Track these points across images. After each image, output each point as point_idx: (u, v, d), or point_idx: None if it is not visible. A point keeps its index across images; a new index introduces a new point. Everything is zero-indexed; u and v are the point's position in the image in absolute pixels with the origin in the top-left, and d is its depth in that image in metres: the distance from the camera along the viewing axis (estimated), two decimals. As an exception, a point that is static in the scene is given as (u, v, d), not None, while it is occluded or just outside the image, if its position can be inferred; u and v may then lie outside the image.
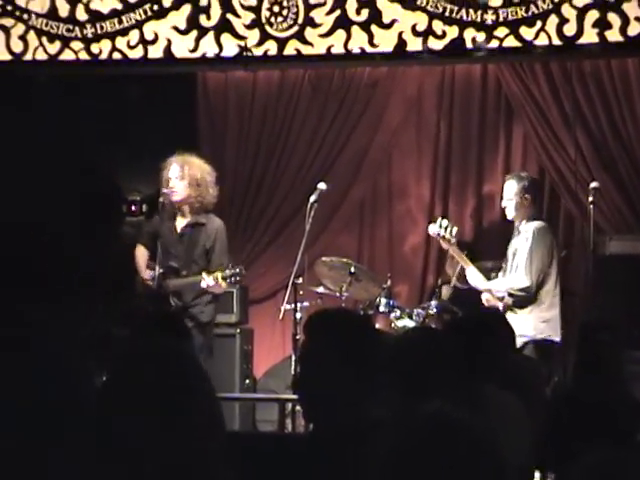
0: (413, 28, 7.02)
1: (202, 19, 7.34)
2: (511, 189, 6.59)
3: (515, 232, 6.62)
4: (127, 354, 1.74)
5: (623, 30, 6.74)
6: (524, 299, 6.39)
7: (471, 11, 6.92)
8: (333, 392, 2.72)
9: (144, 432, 1.64)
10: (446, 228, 6.50)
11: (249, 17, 7.26)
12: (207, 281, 6.15)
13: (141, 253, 6.55)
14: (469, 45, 6.96)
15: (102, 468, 1.65)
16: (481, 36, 6.94)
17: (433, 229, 6.58)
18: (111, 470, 1.65)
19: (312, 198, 6.76)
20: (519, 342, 6.16)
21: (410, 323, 6.99)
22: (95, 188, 8.12)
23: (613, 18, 6.76)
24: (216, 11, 7.31)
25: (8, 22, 7.54)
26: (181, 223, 6.49)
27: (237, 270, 6.15)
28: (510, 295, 6.43)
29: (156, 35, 7.41)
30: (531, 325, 6.31)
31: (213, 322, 6.51)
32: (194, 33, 7.35)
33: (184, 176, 6.40)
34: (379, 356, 2.83)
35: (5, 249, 7.42)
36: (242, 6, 7.27)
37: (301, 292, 6.86)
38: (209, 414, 1.68)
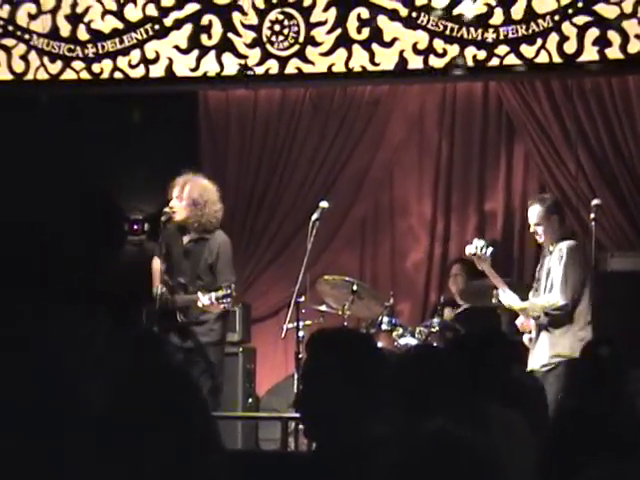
0: (414, 46, 7.04)
1: (203, 38, 7.35)
2: (536, 213, 6.49)
3: (546, 252, 6.51)
4: (115, 370, 1.74)
5: (623, 48, 6.75)
6: (560, 318, 6.30)
7: (472, 29, 6.94)
8: (335, 410, 2.72)
9: (134, 445, 1.63)
10: (482, 248, 6.47)
11: (250, 36, 7.28)
12: (202, 300, 6.14)
13: (157, 265, 6.55)
14: (470, 63, 6.97)
15: (100, 468, 1.64)
16: (481, 54, 6.95)
17: (469, 249, 6.55)
18: (108, 471, 1.64)
19: (314, 216, 6.76)
20: (554, 361, 6.16)
21: (413, 341, 6.98)
22: (97, 207, 8.12)
23: (613, 36, 6.77)
24: (217, 30, 7.33)
25: (9, 42, 7.56)
26: (186, 239, 6.51)
27: (227, 292, 6.12)
28: (546, 314, 6.34)
29: (157, 54, 7.42)
30: (567, 344, 6.20)
31: (224, 340, 6.50)
32: (195, 52, 7.37)
33: (183, 197, 6.42)
34: (381, 374, 2.82)
35: (5, 264, 7.41)
36: (243, 25, 7.29)
37: (303, 310, 6.85)
38: (199, 430, 1.67)
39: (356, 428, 2.69)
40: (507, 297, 6.52)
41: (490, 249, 6.48)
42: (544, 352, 6.30)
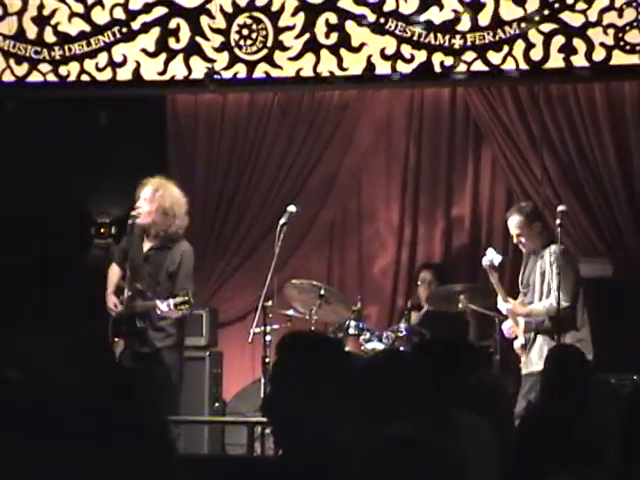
0: (382, 52, 7.06)
1: (171, 42, 7.34)
2: (516, 223, 6.56)
3: (536, 258, 6.55)
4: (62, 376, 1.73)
5: (588, 55, 6.81)
6: (563, 320, 6.33)
7: (439, 35, 6.97)
8: (302, 415, 2.72)
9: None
10: (495, 259, 6.51)
11: (218, 40, 7.27)
12: (160, 307, 6.11)
13: (113, 272, 6.51)
14: (437, 69, 7.00)
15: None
16: (449, 60, 6.98)
17: (486, 261, 6.56)
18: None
19: (282, 220, 6.76)
20: None
21: (380, 345, 7.00)
22: (63, 211, 8.08)
23: (579, 43, 6.83)
24: (185, 34, 7.31)
25: (-24, 44, 7.50)
26: (147, 245, 6.45)
27: (186, 298, 6.10)
28: (550, 318, 6.38)
29: (125, 57, 7.40)
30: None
31: (182, 344, 6.47)
32: (163, 56, 7.35)
33: (154, 200, 6.35)
34: (349, 379, 2.82)
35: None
36: (211, 29, 7.28)
37: (271, 315, 6.84)
38: (148, 431, 1.66)
39: (323, 433, 2.69)
40: (509, 307, 6.55)
41: (499, 258, 6.54)
42: (543, 356, 6.28)
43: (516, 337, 6.61)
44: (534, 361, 6.41)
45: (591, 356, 6.28)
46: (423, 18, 7.00)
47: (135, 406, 1.69)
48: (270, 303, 6.73)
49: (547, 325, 6.43)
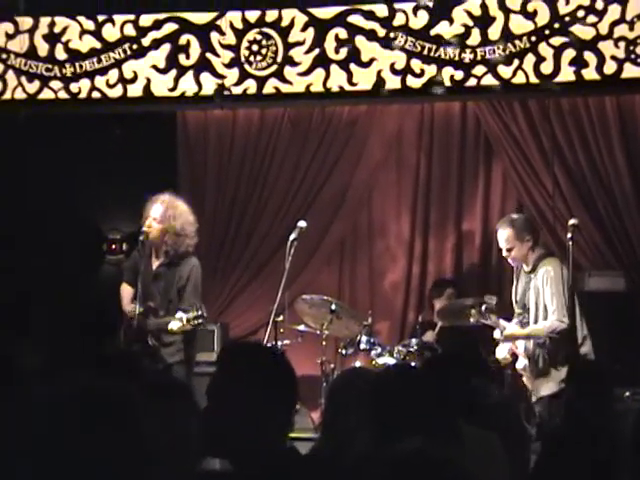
0: (391, 66, 7.07)
1: (181, 58, 7.36)
2: (506, 237, 6.30)
3: (529, 276, 6.36)
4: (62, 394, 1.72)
5: (599, 68, 6.80)
6: (566, 339, 6.18)
7: (449, 50, 6.97)
8: (241, 425, 2.68)
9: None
10: (483, 308, 6.44)
11: (228, 56, 7.29)
12: (173, 326, 6.13)
13: (126, 291, 6.52)
14: (448, 83, 7.00)
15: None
16: (458, 74, 6.98)
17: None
18: None
19: (292, 236, 6.76)
20: (560, 387, 6.00)
21: (391, 360, 6.98)
22: (74, 227, 8.10)
23: (589, 56, 6.82)
24: (195, 50, 7.33)
25: (-13, 62, 7.54)
26: (156, 262, 6.46)
27: (199, 312, 6.11)
28: (551, 340, 6.22)
29: (135, 74, 7.42)
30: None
31: (192, 360, 6.47)
32: (173, 72, 7.37)
33: (164, 221, 6.36)
34: (291, 390, 2.77)
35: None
36: (221, 45, 7.30)
37: (282, 330, 6.84)
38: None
39: (264, 443, 2.65)
40: (509, 331, 6.41)
41: (494, 299, 6.42)
42: (550, 380, 6.22)
43: (517, 357, 6.50)
44: (544, 386, 6.30)
45: (592, 355, 6.24)
46: (433, 33, 7.00)
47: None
48: (281, 318, 6.73)
49: (547, 346, 6.27)
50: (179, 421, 2.59)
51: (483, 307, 6.42)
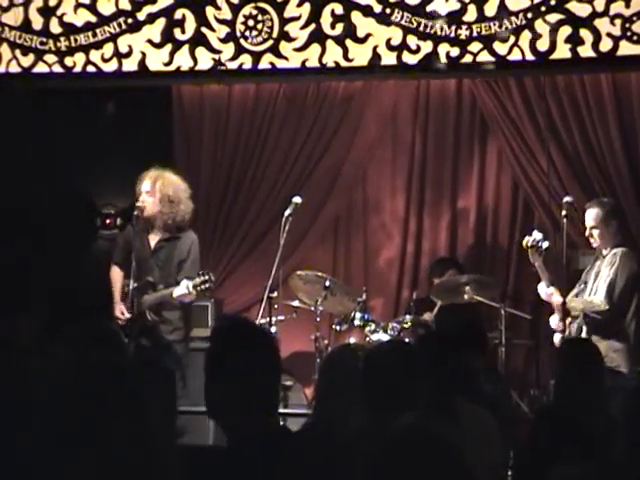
0: (387, 42, 7.05)
1: (177, 32, 7.33)
2: (595, 217, 6.37)
3: (599, 257, 6.39)
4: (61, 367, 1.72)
5: (595, 46, 6.79)
6: (600, 323, 6.16)
7: (445, 26, 6.95)
8: (236, 400, 2.71)
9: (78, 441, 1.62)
10: (539, 241, 6.34)
11: (224, 31, 7.26)
12: (178, 291, 6.13)
13: (116, 274, 6.50)
14: (444, 60, 6.98)
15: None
16: (455, 51, 6.97)
17: (528, 240, 6.36)
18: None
19: (287, 212, 6.76)
20: None
21: (385, 337, 6.99)
22: (68, 201, 8.09)
23: (585, 34, 6.81)
24: (191, 25, 7.30)
25: (-19, 35, 7.50)
26: (154, 238, 6.45)
27: (206, 277, 6.11)
28: (585, 316, 6.22)
29: (130, 48, 7.39)
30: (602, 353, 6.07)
31: (188, 337, 6.48)
32: (169, 46, 7.35)
33: (155, 192, 6.36)
34: (275, 367, 2.80)
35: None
36: (217, 20, 7.27)
37: (276, 306, 6.85)
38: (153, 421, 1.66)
39: (258, 419, 2.68)
40: (549, 291, 6.40)
41: (546, 243, 6.38)
42: None
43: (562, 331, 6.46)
44: None
45: (625, 369, 6.12)
46: (429, 9, 6.98)
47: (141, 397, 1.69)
48: (275, 294, 6.73)
49: (580, 323, 6.24)
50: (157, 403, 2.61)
51: (531, 243, 6.35)
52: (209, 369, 2.75)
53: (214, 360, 2.75)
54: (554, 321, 6.47)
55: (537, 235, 6.41)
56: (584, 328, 6.29)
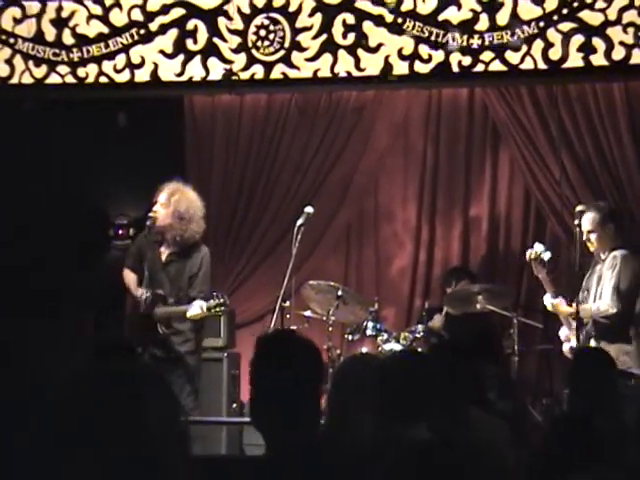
0: (399, 52, 7.05)
1: (189, 43, 7.35)
2: (591, 220, 6.38)
3: (598, 261, 6.39)
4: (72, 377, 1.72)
5: (608, 54, 6.78)
6: (608, 328, 6.16)
7: (457, 35, 6.95)
8: (281, 412, 2.71)
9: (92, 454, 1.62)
10: (541, 253, 6.35)
11: (236, 41, 7.27)
12: (191, 311, 6.11)
13: (129, 277, 6.51)
14: (455, 69, 6.98)
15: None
16: (466, 60, 6.97)
17: (530, 253, 6.38)
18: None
19: (299, 221, 6.76)
20: None
21: (397, 346, 6.98)
22: (81, 212, 8.11)
23: (598, 42, 6.80)
24: (203, 35, 7.32)
25: (-6, 46, 7.54)
26: (165, 251, 6.43)
27: (221, 300, 6.10)
28: (594, 322, 6.21)
29: (143, 59, 7.41)
30: (613, 356, 6.05)
31: (199, 349, 6.47)
32: (181, 57, 7.36)
33: (169, 205, 6.33)
34: (320, 378, 2.81)
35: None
36: (229, 30, 7.29)
37: (288, 316, 6.84)
38: (163, 433, 1.66)
39: (302, 430, 2.68)
40: (555, 302, 6.40)
41: (548, 254, 6.38)
42: None
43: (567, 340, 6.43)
44: None
45: (638, 370, 6.09)
46: (441, 18, 6.98)
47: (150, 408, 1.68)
48: (288, 304, 6.73)
49: (590, 330, 6.23)
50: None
51: (533, 256, 6.36)
52: (254, 380, 2.76)
53: (259, 371, 2.76)
54: (563, 332, 6.46)
55: (538, 247, 6.42)
56: (593, 334, 6.27)
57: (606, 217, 6.39)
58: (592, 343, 6.23)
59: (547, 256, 6.38)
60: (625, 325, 6.23)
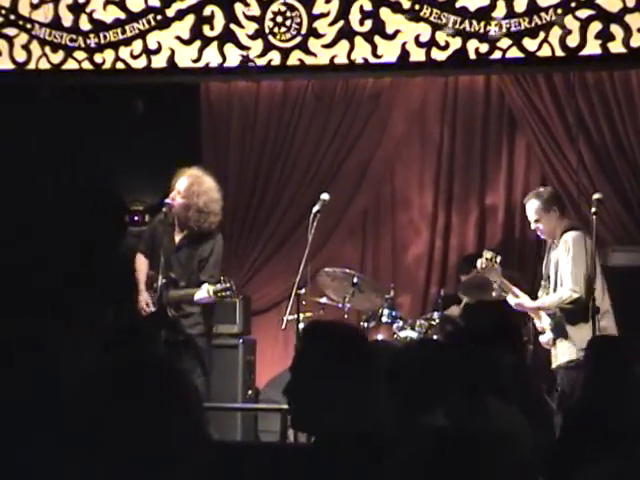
0: (416, 39, 7.02)
1: (205, 29, 7.34)
2: (534, 209, 6.36)
3: (552, 247, 6.39)
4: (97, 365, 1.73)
5: (626, 42, 6.74)
6: (577, 311, 6.16)
7: (474, 22, 6.92)
8: (323, 400, 2.72)
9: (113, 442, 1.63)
10: (491, 259, 6.37)
11: (252, 27, 7.26)
12: (198, 294, 6.15)
13: (141, 263, 6.52)
14: (472, 56, 6.95)
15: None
16: (484, 47, 6.94)
17: (481, 263, 6.40)
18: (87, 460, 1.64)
19: (315, 208, 6.75)
20: (580, 356, 5.82)
21: (413, 334, 6.99)
22: (97, 198, 8.13)
23: (616, 29, 6.76)
24: (219, 21, 7.31)
25: (12, 32, 7.54)
26: (179, 235, 6.45)
27: (228, 285, 6.12)
28: (561, 310, 6.22)
29: (159, 45, 7.41)
30: (590, 336, 5.88)
31: (210, 332, 6.49)
32: (197, 43, 7.35)
33: (189, 196, 6.31)
34: (370, 367, 2.81)
35: (7, 259, 7.42)
36: (245, 16, 7.27)
37: (304, 303, 6.85)
38: (183, 418, 1.66)
39: (345, 418, 2.69)
40: (519, 301, 6.42)
41: (499, 258, 6.38)
42: (571, 347, 6.18)
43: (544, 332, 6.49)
44: (561, 354, 6.30)
45: (615, 331, 6.16)
46: (458, 5, 6.95)
47: (171, 394, 1.69)
48: (303, 291, 6.73)
49: (558, 316, 6.26)
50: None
51: (497, 259, 6.38)
52: (297, 369, 2.77)
53: (304, 360, 2.76)
54: (538, 326, 6.44)
55: (488, 254, 6.42)
56: (564, 320, 6.26)
57: (548, 202, 6.35)
58: (568, 328, 6.23)
59: (499, 259, 6.38)
60: (588, 302, 6.18)
